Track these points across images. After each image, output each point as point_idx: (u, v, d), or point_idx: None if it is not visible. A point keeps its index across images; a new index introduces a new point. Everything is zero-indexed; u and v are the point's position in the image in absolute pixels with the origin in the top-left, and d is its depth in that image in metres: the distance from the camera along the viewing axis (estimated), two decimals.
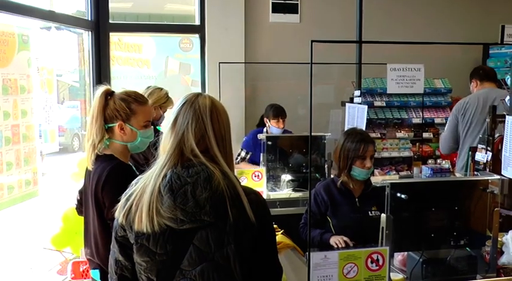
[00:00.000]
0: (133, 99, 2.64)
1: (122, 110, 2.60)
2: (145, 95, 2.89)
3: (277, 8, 6.62)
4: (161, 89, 4.37)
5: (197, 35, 6.47)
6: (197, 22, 6.47)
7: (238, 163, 5.43)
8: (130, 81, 6.20)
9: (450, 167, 4.00)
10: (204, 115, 1.89)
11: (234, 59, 5.94)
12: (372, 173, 3.61)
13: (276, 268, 1.93)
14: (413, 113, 6.04)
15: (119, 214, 1.88)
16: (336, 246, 3.20)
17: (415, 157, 5.07)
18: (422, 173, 3.58)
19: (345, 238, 3.25)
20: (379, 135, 5.81)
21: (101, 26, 5.81)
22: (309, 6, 6.74)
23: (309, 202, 2.29)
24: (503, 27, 6.70)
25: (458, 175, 4.41)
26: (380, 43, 2.69)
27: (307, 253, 2.25)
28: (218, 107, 1.96)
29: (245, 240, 1.82)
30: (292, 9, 6.66)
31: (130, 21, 6.56)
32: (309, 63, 2.05)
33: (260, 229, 1.85)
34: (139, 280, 1.89)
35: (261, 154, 4.81)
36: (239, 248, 1.81)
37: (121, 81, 6.18)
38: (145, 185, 1.84)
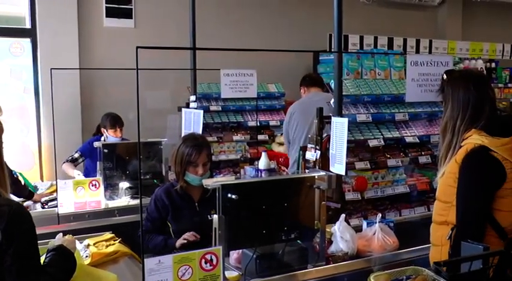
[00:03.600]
0: None
1: None
2: None
3: (111, 13, 6.52)
4: None
5: (28, 39, 6.17)
6: (28, 25, 6.16)
7: (67, 161, 5.26)
8: None
9: (276, 167, 4.20)
10: None
11: (68, 65, 5.72)
12: (211, 176, 3.64)
13: None
14: (248, 116, 6.25)
15: None
16: (191, 240, 3.21)
17: (242, 159, 5.25)
18: (247, 173, 3.72)
19: (193, 232, 3.26)
20: (216, 139, 5.96)
21: None
22: (144, 11, 6.71)
23: (140, 208, 2.28)
24: (330, 35, 7.17)
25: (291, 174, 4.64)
26: (212, 50, 2.74)
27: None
28: None
29: None
30: (127, 14, 6.59)
31: None
32: (135, 69, 2.04)
33: (6, 241, 1.93)
34: None
35: (98, 162, 4.68)
36: None
37: None
38: None
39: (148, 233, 3.41)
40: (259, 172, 3.77)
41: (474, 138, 2.41)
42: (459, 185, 2.41)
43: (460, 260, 1.99)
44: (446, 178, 2.48)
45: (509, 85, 8.87)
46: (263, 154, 3.90)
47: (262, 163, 3.83)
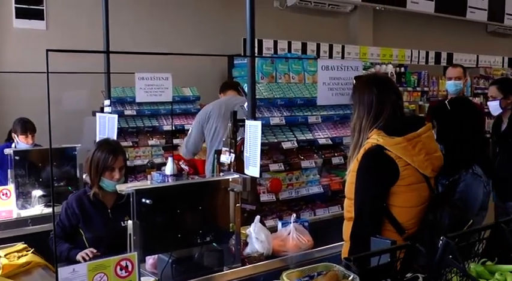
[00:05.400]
0: None
1: None
2: None
3: (21, 13, 6.31)
4: None
5: None
6: None
7: None
8: None
9: (185, 172, 4.23)
10: None
11: None
12: (126, 182, 3.61)
13: None
14: (163, 120, 6.24)
15: None
16: (84, 260, 3.15)
17: (149, 165, 5.22)
18: (154, 179, 3.69)
19: (91, 249, 3.23)
20: (131, 144, 5.90)
21: None
22: (56, 13, 6.54)
23: (52, 217, 2.24)
24: (244, 40, 7.25)
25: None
26: (126, 53, 2.74)
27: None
28: None
29: None
30: (38, 15, 6.39)
31: None
32: (45, 72, 2.01)
33: None
34: None
35: (9, 170, 4.51)
36: None
37: None
38: None
39: (59, 239, 3.36)
40: (166, 178, 3.75)
41: (372, 138, 2.55)
42: (356, 182, 2.55)
43: (369, 255, 2.08)
44: (351, 176, 2.61)
45: (418, 89, 9.30)
46: (169, 159, 3.87)
47: (169, 168, 3.81)
